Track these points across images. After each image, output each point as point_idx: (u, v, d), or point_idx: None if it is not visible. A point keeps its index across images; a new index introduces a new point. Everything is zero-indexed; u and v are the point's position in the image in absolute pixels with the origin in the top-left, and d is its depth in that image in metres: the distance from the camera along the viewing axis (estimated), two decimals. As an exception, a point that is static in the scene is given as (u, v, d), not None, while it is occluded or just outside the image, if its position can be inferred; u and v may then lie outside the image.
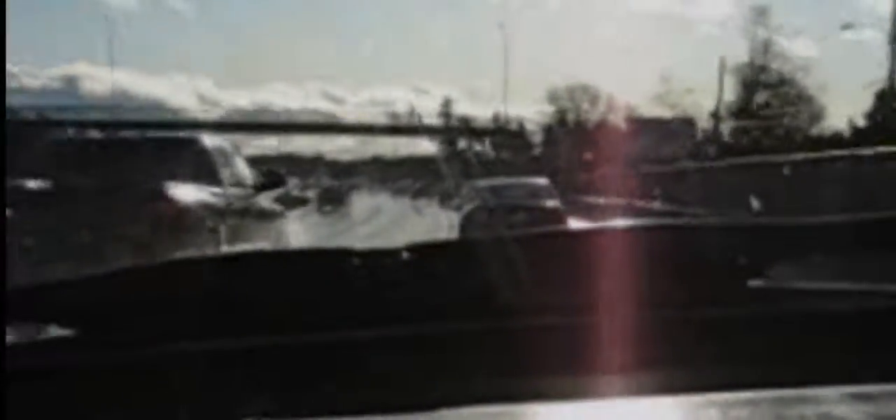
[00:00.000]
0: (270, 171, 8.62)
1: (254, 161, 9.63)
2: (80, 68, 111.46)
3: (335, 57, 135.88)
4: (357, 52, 71.28)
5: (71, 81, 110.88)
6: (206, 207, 6.64)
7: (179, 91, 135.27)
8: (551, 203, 17.12)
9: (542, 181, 18.91)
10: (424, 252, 1.02)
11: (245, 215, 7.44)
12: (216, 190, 7.00)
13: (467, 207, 17.01)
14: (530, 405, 0.89)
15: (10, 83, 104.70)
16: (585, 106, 53.87)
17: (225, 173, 7.38)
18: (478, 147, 57.36)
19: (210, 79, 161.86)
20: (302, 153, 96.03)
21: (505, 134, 55.20)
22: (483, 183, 19.57)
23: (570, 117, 54.34)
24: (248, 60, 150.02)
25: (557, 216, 16.00)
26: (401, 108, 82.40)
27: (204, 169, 7.08)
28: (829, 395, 0.89)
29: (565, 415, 0.90)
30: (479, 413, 0.89)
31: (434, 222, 24.06)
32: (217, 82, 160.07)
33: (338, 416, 0.89)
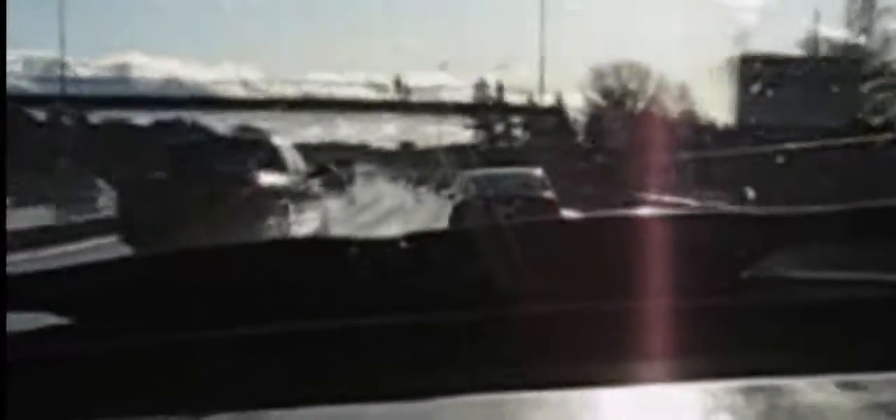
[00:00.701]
0: (319, 164, 11.98)
1: (297, 149, 12.47)
2: (132, 57, 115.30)
3: (378, 45, 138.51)
4: (399, 39, 73.26)
5: (123, 69, 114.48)
6: (276, 189, 9.54)
7: (227, 79, 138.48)
8: (545, 193, 17.00)
9: (537, 171, 18.55)
10: (421, 241, 1.04)
11: (302, 196, 10.35)
12: (282, 177, 9.91)
13: (459, 197, 16.79)
14: (527, 393, 0.91)
15: (65, 72, 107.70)
16: (634, 85, 48.47)
17: (288, 164, 10.32)
18: (517, 132, 55.01)
19: (256, 67, 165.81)
20: (346, 141, 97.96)
21: (545, 114, 51.40)
22: (478, 173, 19.47)
23: (617, 98, 49.24)
24: (294, 49, 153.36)
25: (552, 207, 16.05)
26: (443, 95, 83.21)
27: (274, 162, 10.02)
28: (823, 384, 0.91)
29: (565, 402, 0.91)
30: (478, 401, 0.91)
31: (424, 209, 25.28)
32: (265, 70, 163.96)
33: (336, 403, 0.91)
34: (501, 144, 52.46)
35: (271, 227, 9.32)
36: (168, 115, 46.82)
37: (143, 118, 49.36)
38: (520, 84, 64.72)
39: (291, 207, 9.68)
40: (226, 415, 0.90)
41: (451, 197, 17.25)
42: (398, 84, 56.27)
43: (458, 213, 15.51)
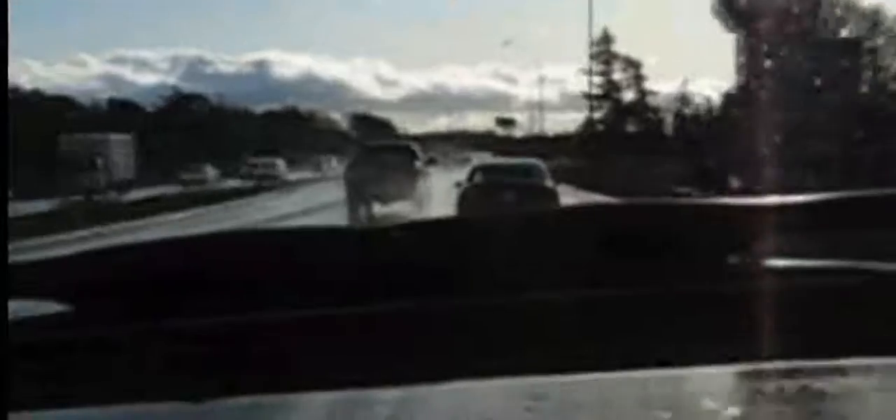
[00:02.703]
0: (430, 156, 27.85)
1: (429, 138, 27.60)
2: (270, 54, 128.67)
3: (506, 37, 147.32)
4: (528, 31, 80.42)
5: (261, 66, 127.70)
6: (417, 170, 23.98)
7: (360, 73, 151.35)
8: (545, 183, 17.68)
9: (538, 163, 20.08)
10: (427, 229, 1.08)
11: (423, 174, 24.50)
12: (419, 163, 24.57)
13: (465, 185, 17.90)
14: (536, 377, 0.92)
15: (206, 69, 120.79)
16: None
17: (420, 157, 25.12)
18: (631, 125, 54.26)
19: (389, 61, 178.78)
20: (473, 130, 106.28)
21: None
22: (486, 162, 23.83)
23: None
24: (424, 42, 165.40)
25: (549, 194, 16.71)
26: (571, 86, 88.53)
27: (414, 155, 25.00)
28: (808, 369, 0.92)
29: (566, 388, 0.91)
30: (484, 386, 0.92)
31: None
32: (396, 64, 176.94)
33: (339, 388, 0.92)
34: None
35: (423, 186, 23.14)
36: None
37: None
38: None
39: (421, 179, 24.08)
40: (241, 399, 0.91)
41: (458, 184, 18.27)
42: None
43: (465, 198, 16.86)
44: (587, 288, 0.99)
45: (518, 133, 77.43)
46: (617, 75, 55.26)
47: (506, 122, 79.94)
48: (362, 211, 21.77)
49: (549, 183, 17.67)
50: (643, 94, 55.51)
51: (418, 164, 23.89)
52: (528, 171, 18.64)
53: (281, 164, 54.48)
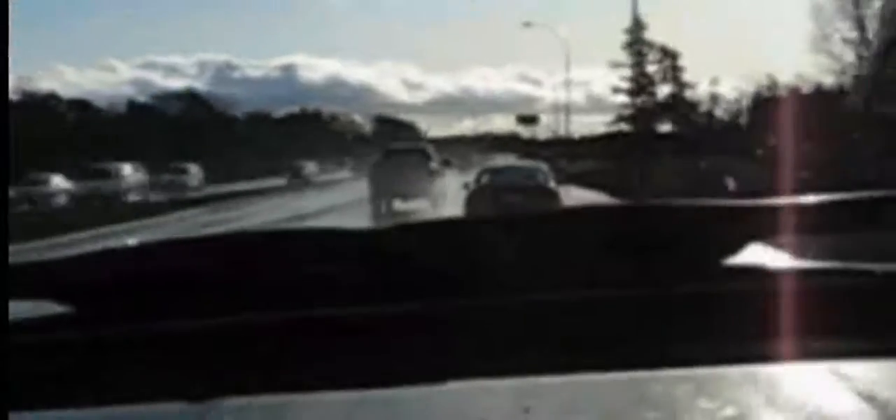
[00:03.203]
0: (444, 158, 30.52)
1: (453, 141, 28.44)
2: (297, 58, 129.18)
3: (532, 40, 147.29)
4: (553, 34, 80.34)
5: (289, 70, 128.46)
6: (434, 169, 25.63)
7: (387, 77, 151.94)
8: (548, 185, 19.04)
9: (542, 165, 21.90)
10: (429, 230, 1.09)
11: (438, 174, 26.20)
12: (434, 164, 26.12)
13: (473, 186, 19.46)
14: (531, 379, 0.94)
15: (234, 74, 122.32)
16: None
17: (434, 157, 26.63)
18: (667, 126, 50.43)
19: (415, 64, 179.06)
20: (496, 133, 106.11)
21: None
22: (493, 164, 25.57)
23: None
24: (451, 45, 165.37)
25: (552, 196, 17.93)
26: (597, 88, 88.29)
27: (429, 156, 26.61)
28: (804, 371, 0.95)
29: (565, 387, 0.95)
30: (486, 386, 0.94)
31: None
32: (422, 67, 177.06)
33: (345, 388, 0.94)
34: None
35: (438, 185, 26.02)
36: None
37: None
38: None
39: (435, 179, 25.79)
40: (246, 398, 0.94)
41: (466, 186, 19.88)
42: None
43: (473, 199, 18.39)
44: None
45: (542, 135, 76.23)
46: (651, 67, 50.16)
47: (528, 120, 76.72)
48: (383, 205, 24.67)
49: (551, 185, 19.16)
50: (681, 87, 50.06)
51: (433, 165, 26.95)
52: (531, 173, 20.16)
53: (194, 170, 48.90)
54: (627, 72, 49.57)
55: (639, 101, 49.70)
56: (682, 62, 49.81)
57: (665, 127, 50.53)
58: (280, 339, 0.95)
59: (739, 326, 0.96)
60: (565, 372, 0.95)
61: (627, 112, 49.67)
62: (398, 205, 25.03)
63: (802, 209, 1.07)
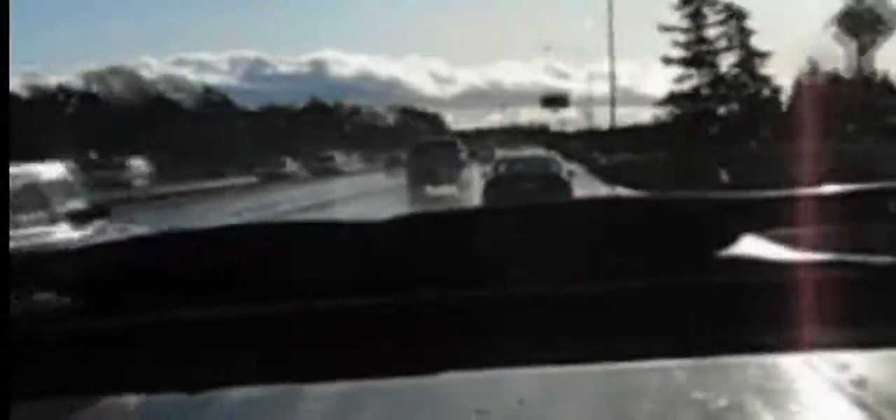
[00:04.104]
0: (472, 150, 33.18)
1: (481, 133, 29.78)
2: (327, 53, 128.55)
3: (560, 32, 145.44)
4: (580, 27, 78.61)
5: (319, 65, 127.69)
6: (461, 161, 28.29)
7: (415, 71, 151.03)
8: (561, 174, 20.09)
9: (555, 155, 22.55)
10: (437, 220, 1.10)
11: (466, 164, 28.81)
12: (462, 155, 28.84)
13: (491, 175, 20.77)
14: (526, 369, 0.97)
15: (265, 70, 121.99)
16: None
17: (463, 150, 28.86)
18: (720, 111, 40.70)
19: (443, 58, 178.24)
20: (525, 125, 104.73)
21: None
22: (509, 154, 26.15)
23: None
24: (478, 39, 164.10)
25: (563, 184, 19.03)
26: (624, 81, 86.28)
27: (459, 149, 31.28)
28: (793, 362, 0.98)
29: (561, 378, 0.95)
30: (480, 377, 0.96)
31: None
32: (450, 61, 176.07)
33: (345, 379, 0.96)
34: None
35: (466, 173, 31.35)
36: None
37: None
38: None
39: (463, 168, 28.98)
40: (255, 388, 0.93)
41: (484, 175, 21.37)
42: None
43: (490, 186, 19.82)
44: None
45: (570, 128, 73.92)
46: (711, 31, 39.35)
47: (554, 101, 71.28)
48: (419, 191, 29.26)
49: (564, 174, 20.18)
50: (751, 55, 39.21)
51: (462, 156, 32.60)
52: (545, 163, 21.31)
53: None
54: (680, 37, 39.51)
55: (699, 74, 39.12)
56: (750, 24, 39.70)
57: (724, 109, 40.65)
58: (281, 330, 0.96)
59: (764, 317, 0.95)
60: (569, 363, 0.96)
61: (682, 88, 39.82)
62: (430, 190, 29.66)
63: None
